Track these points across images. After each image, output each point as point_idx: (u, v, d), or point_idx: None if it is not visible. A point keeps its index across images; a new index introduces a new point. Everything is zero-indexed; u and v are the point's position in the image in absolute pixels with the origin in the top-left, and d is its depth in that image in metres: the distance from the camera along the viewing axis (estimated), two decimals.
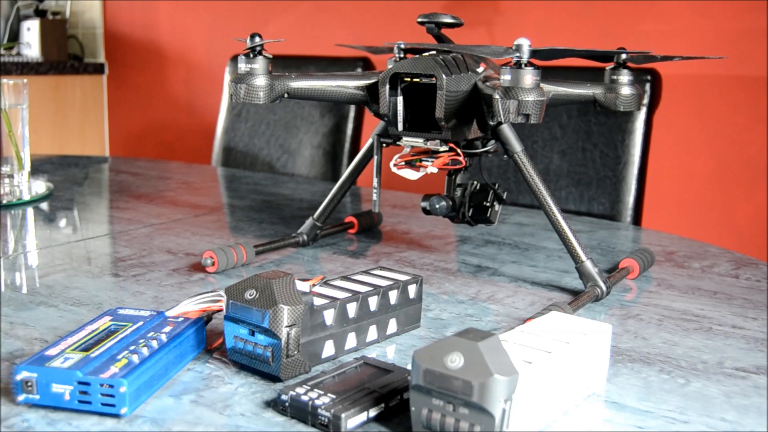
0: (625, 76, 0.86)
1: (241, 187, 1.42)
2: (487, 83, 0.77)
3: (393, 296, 0.65)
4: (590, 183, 1.40)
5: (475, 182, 0.87)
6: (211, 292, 0.63)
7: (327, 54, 1.94)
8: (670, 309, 0.76)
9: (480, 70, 0.79)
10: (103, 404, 0.50)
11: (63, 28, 3.00)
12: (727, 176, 1.88)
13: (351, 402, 0.50)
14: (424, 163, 0.82)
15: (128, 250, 0.93)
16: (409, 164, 0.82)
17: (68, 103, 2.97)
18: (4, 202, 1.19)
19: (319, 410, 0.49)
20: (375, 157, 0.86)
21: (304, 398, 0.50)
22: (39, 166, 1.55)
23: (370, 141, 0.89)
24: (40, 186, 1.30)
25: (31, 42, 2.91)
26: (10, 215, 1.14)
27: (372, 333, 0.63)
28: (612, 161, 1.39)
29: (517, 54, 0.68)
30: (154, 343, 0.55)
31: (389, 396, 0.51)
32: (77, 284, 0.79)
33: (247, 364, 0.58)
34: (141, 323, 0.58)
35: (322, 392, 0.51)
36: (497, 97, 0.69)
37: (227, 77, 1.96)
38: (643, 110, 1.37)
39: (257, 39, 0.75)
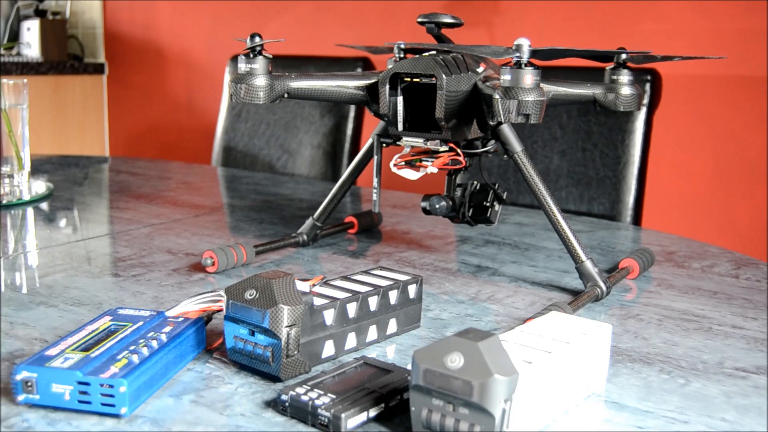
0: (625, 76, 0.86)
1: (241, 187, 1.42)
2: (487, 83, 0.77)
3: (393, 296, 0.65)
4: (590, 183, 1.40)
5: (475, 182, 0.87)
6: (211, 292, 0.63)
7: (327, 54, 1.94)
8: (670, 309, 0.76)
9: (480, 70, 0.79)
10: (102, 404, 0.50)
11: (63, 28, 3.00)
12: (727, 176, 1.88)
13: (351, 402, 0.50)
14: (424, 163, 0.82)
15: (128, 250, 0.93)
16: (409, 164, 0.82)
17: (68, 103, 2.97)
18: (4, 202, 1.19)
19: (319, 410, 0.49)
20: (375, 157, 0.86)
21: (304, 398, 0.50)
22: (39, 166, 1.55)
23: (370, 141, 0.89)
24: (40, 186, 1.30)
25: (31, 42, 2.91)
26: (10, 215, 1.14)
27: (372, 333, 0.63)
28: (612, 161, 1.39)
29: (517, 54, 0.68)
30: (154, 343, 0.55)
31: (389, 396, 0.51)
32: (77, 284, 0.79)
33: (247, 364, 0.58)
34: (141, 323, 0.58)
35: (322, 392, 0.51)
36: (497, 97, 0.69)
37: (227, 77, 1.96)
38: (643, 110, 1.37)
39: (257, 39, 0.75)
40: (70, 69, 2.96)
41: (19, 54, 2.92)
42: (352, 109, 1.75)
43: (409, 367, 0.56)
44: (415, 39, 1.05)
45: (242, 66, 0.76)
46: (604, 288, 0.77)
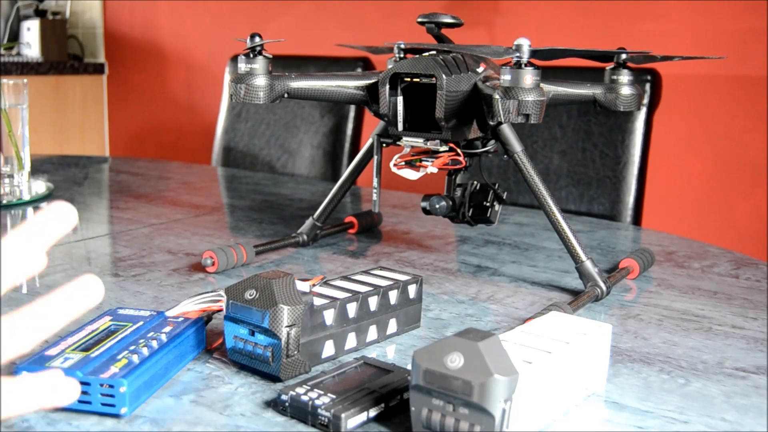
0: (625, 76, 0.86)
1: (241, 187, 1.42)
2: (487, 83, 0.77)
3: (393, 296, 0.65)
4: (590, 183, 1.40)
5: (475, 182, 0.87)
6: (211, 292, 0.63)
7: (327, 54, 1.93)
8: (670, 309, 0.76)
9: (480, 70, 0.79)
10: (103, 404, 0.50)
11: (63, 28, 3.00)
12: (727, 176, 1.88)
13: (351, 402, 0.50)
14: (424, 163, 0.82)
15: (128, 250, 0.93)
16: (409, 164, 0.82)
17: (68, 103, 2.97)
18: (4, 202, 1.18)
19: (319, 410, 0.49)
20: (375, 157, 0.86)
21: (304, 398, 0.50)
22: (39, 166, 1.55)
23: (370, 141, 0.89)
24: (40, 186, 1.30)
25: (31, 42, 2.91)
26: (10, 215, 1.14)
27: (372, 333, 0.63)
28: (612, 161, 1.39)
29: (517, 54, 0.68)
30: (154, 343, 0.55)
31: (389, 396, 0.51)
32: None
33: (247, 364, 0.58)
34: (141, 323, 0.58)
35: (322, 392, 0.51)
36: (497, 97, 0.69)
37: (227, 77, 1.96)
38: (643, 110, 1.37)
39: (257, 39, 0.75)
40: (70, 69, 2.96)
41: (19, 54, 2.92)
42: (352, 109, 1.75)
43: (409, 367, 0.56)
44: (415, 39, 1.05)
45: (242, 66, 0.76)
46: (604, 288, 0.77)
